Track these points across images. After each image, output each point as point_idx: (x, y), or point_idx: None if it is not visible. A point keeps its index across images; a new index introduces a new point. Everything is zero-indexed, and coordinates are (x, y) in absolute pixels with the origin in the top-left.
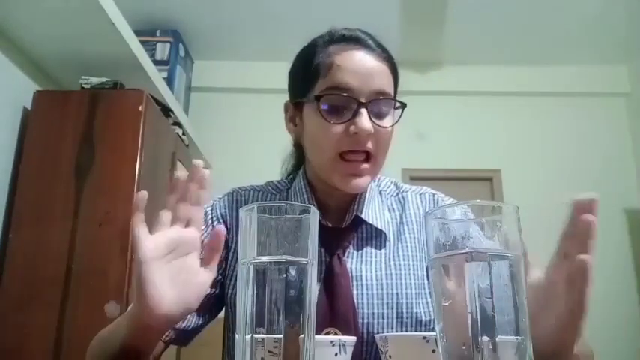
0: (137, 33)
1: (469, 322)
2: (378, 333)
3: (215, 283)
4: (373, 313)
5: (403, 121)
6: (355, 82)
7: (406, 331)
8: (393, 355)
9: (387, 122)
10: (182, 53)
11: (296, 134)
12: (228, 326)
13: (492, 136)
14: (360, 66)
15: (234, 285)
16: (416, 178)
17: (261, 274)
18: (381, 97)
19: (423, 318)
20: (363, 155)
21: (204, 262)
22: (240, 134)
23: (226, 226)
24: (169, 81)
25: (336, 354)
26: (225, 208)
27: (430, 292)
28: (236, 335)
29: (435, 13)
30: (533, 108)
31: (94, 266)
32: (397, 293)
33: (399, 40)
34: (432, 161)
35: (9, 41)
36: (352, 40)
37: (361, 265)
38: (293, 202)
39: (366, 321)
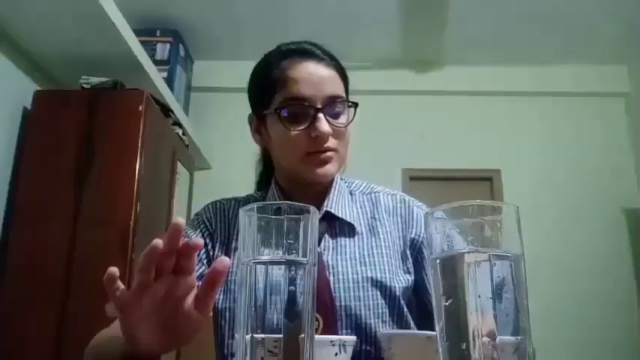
0: (137, 33)
1: (469, 322)
2: (356, 314)
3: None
4: (350, 296)
5: (403, 121)
6: (309, 91)
7: (383, 310)
8: (397, 354)
9: (342, 121)
10: (182, 53)
11: (263, 143)
12: (217, 324)
13: (492, 136)
14: (311, 76)
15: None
16: (416, 178)
17: (261, 274)
18: (335, 101)
19: (396, 293)
20: (326, 152)
21: (199, 302)
22: (240, 134)
23: (212, 227)
24: (169, 81)
25: (336, 354)
26: (209, 213)
27: (430, 292)
28: (236, 335)
29: (436, 14)
30: (533, 108)
31: (94, 266)
32: (371, 277)
33: (399, 40)
34: (432, 161)
35: (9, 41)
36: (301, 53)
37: (336, 256)
38: (293, 203)
39: (343, 304)
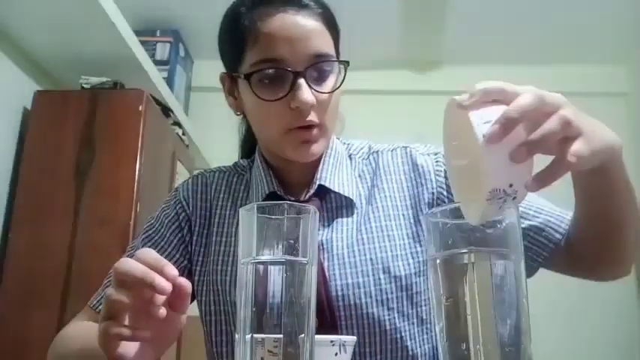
0: (137, 33)
1: (469, 322)
2: (355, 304)
3: (182, 270)
4: (347, 283)
5: (403, 121)
6: (286, 50)
7: (389, 296)
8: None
9: (329, 85)
10: (182, 53)
11: (237, 108)
12: (202, 319)
13: None
14: (289, 31)
15: (202, 273)
16: None
17: (261, 274)
18: (318, 61)
19: (402, 272)
20: (310, 129)
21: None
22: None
23: (189, 208)
24: (169, 81)
25: (336, 354)
26: (188, 191)
27: (430, 291)
28: (236, 335)
29: (435, 13)
30: None
31: (94, 266)
32: (371, 259)
33: (398, 40)
34: None
35: (9, 41)
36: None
37: (331, 235)
38: (293, 203)
39: (340, 293)
